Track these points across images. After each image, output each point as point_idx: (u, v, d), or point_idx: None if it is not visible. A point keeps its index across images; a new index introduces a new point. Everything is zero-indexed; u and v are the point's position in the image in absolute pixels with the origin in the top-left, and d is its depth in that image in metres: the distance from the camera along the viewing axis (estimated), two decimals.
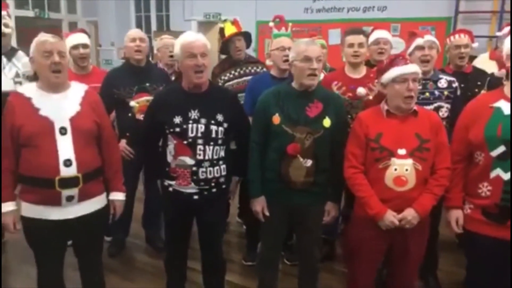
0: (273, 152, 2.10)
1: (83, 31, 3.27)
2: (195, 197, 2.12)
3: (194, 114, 2.07)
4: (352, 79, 2.65)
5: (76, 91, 1.97)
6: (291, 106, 2.07)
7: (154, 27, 7.66)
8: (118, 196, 2.12)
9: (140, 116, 2.85)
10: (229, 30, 3.15)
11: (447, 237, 3.04)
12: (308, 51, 2.02)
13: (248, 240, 3.13)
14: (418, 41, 2.39)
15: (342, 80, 2.64)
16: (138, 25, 7.69)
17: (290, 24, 2.83)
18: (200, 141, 2.06)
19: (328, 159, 2.12)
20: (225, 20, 3.27)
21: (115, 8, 7.77)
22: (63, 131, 1.85)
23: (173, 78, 3.51)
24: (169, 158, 2.12)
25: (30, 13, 7.09)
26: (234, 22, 3.20)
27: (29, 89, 1.92)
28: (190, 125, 2.06)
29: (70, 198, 1.88)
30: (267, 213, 2.18)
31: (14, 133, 1.83)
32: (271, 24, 2.85)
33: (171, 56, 3.45)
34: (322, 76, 2.72)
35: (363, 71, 2.69)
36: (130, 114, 2.86)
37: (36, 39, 1.88)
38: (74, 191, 1.88)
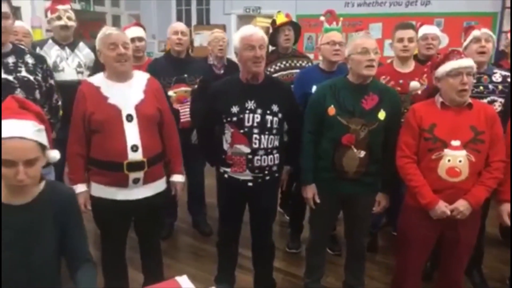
0: (327, 142, 2.17)
1: (139, 24, 3.43)
2: (249, 184, 2.22)
3: (250, 104, 2.17)
4: (401, 74, 2.68)
5: (139, 79, 2.10)
6: (346, 98, 2.14)
7: (194, 20, 7.81)
8: (178, 178, 2.26)
9: (177, 106, 2.99)
10: (281, 19, 3.26)
11: (491, 233, 3.04)
12: (365, 43, 2.07)
13: (292, 229, 3.22)
14: (475, 33, 2.40)
15: (390, 74, 2.67)
16: (179, 19, 7.85)
17: (341, 18, 2.88)
18: (255, 130, 2.16)
19: (381, 150, 2.18)
20: (279, 12, 3.38)
21: (157, 2, 7.97)
22: (129, 118, 1.98)
23: (222, 71, 3.64)
24: (225, 146, 2.23)
25: (76, 6, 7.38)
26: (287, 15, 3.32)
27: (98, 79, 2.05)
28: (246, 115, 2.16)
29: (136, 181, 2.02)
30: (318, 200, 2.26)
31: (86, 120, 1.97)
32: (322, 18, 2.90)
33: (221, 50, 3.59)
34: None
35: (412, 65, 2.72)
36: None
37: (101, 32, 2.01)
38: (140, 174, 2.02)
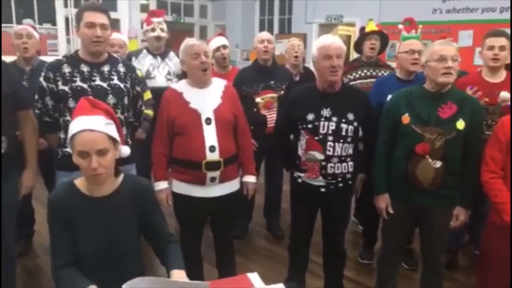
0: (401, 151, 2.14)
1: (222, 34, 3.64)
2: (322, 189, 2.26)
3: (326, 112, 2.21)
4: (490, 84, 2.54)
5: (217, 86, 2.26)
6: (422, 106, 2.09)
7: (276, 29, 8.00)
8: (251, 178, 2.38)
9: (264, 112, 3.12)
10: (370, 28, 3.29)
11: None
12: (443, 50, 2.02)
13: (365, 239, 3.18)
14: None
15: (479, 84, 2.54)
16: (261, 28, 8.09)
17: (420, 26, 2.81)
18: (330, 138, 2.19)
19: (459, 162, 2.10)
20: (370, 19, 3.41)
21: (241, 12, 8.29)
22: (208, 121, 2.14)
23: (298, 79, 3.73)
24: (300, 152, 2.29)
25: (168, 18, 7.95)
26: (378, 25, 3.35)
27: (181, 85, 2.25)
28: (322, 123, 2.20)
29: (213, 179, 2.17)
30: (390, 211, 2.23)
31: (170, 123, 2.17)
32: (400, 26, 2.86)
33: (296, 57, 3.69)
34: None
35: (502, 75, 2.57)
36: (255, 109, 3.12)
37: (185, 43, 2.20)
38: (216, 173, 2.16)
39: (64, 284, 1.52)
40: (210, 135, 2.13)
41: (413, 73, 2.66)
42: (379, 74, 3.20)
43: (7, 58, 3.07)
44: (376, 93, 2.72)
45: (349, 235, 3.52)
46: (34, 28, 2.95)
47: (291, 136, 2.41)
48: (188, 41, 2.20)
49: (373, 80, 3.15)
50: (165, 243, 1.69)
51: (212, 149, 2.12)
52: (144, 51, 3.36)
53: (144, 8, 7.81)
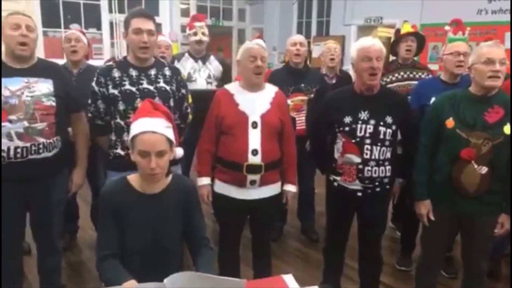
0: (444, 156, 2.09)
1: (260, 37, 3.68)
2: (359, 193, 2.24)
3: (364, 115, 2.19)
4: None
5: (269, 91, 2.29)
6: (467, 110, 2.04)
7: (314, 32, 7.97)
8: (291, 187, 2.38)
9: (294, 114, 3.11)
10: (406, 29, 3.24)
11: None
12: (490, 53, 1.96)
13: (403, 246, 3.11)
14: None
15: None
16: (299, 31, 8.09)
17: (468, 28, 2.73)
18: (367, 141, 2.17)
19: (506, 167, 2.02)
20: (405, 21, 3.35)
21: (279, 15, 8.32)
22: (254, 124, 2.18)
23: (334, 81, 3.71)
24: (336, 155, 2.28)
25: (208, 21, 8.10)
26: (413, 26, 3.28)
27: (233, 87, 2.30)
28: (359, 125, 2.19)
29: (253, 182, 2.20)
30: (432, 217, 2.18)
31: (218, 122, 2.22)
32: (447, 27, 2.78)
33: (332, 60, 3.67)
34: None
35: None
36: None
37: (244, 45, 2.26)
38: (257, 177, 2.19)
39: (106, 274, 1.61)
40: (255, 138, 2.16)
41: (458, 76, 2.58)
42: (416, 76, 3.14)
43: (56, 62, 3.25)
44: (418, 96, 2.67)
45: (386, 241, 3.46)
46: (83, 33, 3.10)
47: (327, 139, 2.41)
48: (247, 44, 2.26)
49: (410, 82, 3.10)
50: (200, 246, 1.74)
51: (254, 152, 2.15)
52: (186, 54, 3.45)
53: (184, 12, 8.00)
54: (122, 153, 2.20)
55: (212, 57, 3.46)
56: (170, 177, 1.76)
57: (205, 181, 2.28)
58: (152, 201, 1.69)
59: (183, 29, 7.65)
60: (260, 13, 8.66)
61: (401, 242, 3.15)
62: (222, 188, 2.27)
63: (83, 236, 3.35)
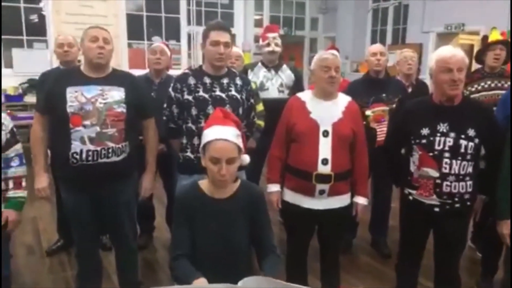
0: None
1: (334, 47, 3.66)
2: (436, 209, 2.13)
3: (443, 127, 2.09)
4: None
5: (341, 101, 2.28)
6: None
7: (389, 40, 7.75)
8: (361, 200, 2.32)
9: (374, 125, 3.04)
10: (494, 37, 3.06)
11: None
12: None
13: (484, 268, 2.90)
14: None
15: None
16: (373, 39, 7.92)
17: None
18: (446, 154, 2.06)
19: None
20: (493, 28, 3.16)
21: (352, 23, 8.21)
22: (325, 133, 2.17)
23: (409, 90, 3.58)
24: (412, 168, 2.19)
25: (280, 31, 8.22)
26: (502, 33, 3.07)
27: (306, 95, 2.32)
28: (437, 138, 2.09)
29: (322, 192, 2.19)
30: None
31: (289, 129, 2.25)
32: None
33: (409, 68, 3.54)
34: None
35: None
36: (364, 123, 3.06)
37: (318, 55, 2.27)
38: (326, 187, 2.17)
39: (178, 273, 1.70)
40: (325, 147, 2.16)
41: None
42: (505, 85, 2.93)
43: (138, 72, 3.49)
44: (505, 106, 2.49)
45: (465, 261, 3.23)
46: (167, 45, 3.30)
47: (402, 151, 2.33)
48: (321, 54, 2.27)
49: (498, 92, 2.91)
50: (267, 252, 1.77)
51: (324, 162, 2.15)
52: (259, 64, 3.53)
53: (257, 23, 8.19)
54: (191, 156, 2.31)
55: (284, 66, 3.51)
56: (238, 182, 1.81)
57: (274, 188, 2.30)
58: (220, 205, 1.75)
59: (256, 39, 7.84)
60: (332, 22, 8.60)
61: (482, 264, 2.93)
62: (291, 196, 2.28)
63: (158, 236, 3.53)
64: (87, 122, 2.13)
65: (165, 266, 3.11)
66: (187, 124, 2.33)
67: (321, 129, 2.17)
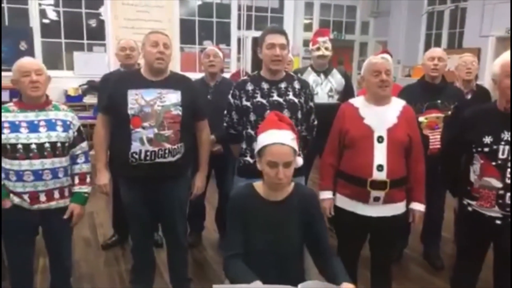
0: None
1: (387, 51, 3.58)
2: (498, 221, 2.04)
3: (507, 135, 2.00)
4: None
5: (396, 105, 2.22)
6: None
7: (444, 44, 7.48)
8: (419, 206, 2.25)
9: (427, 132, 2.93)
10: None
11: None
12: None
13: None
14: None
15: None
16: (427, 43, 7.68)
17: None
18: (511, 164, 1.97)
19: None
20: None
21: (405, 27, 7.99)
22: (380, 139, 2.13)
23: (469, 97, 3.43)
24: (472, 177, 2.11)
25: (330, 35, 8.16)
26: None
27: (358, 101, 2.28)
28: (501, 147, 2.00)
29: (376, 199, 2.15)
30: None
31: (342, 136, 2.23)
32: None
33: (468, 74, 3.40)
34: None
35: None
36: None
37: (368, 61, 2.24)
38: (381, 193, 2.13)
39: (232, 273, 1.72)
40: (380, 153, 2.12)
41: None
42: None
43: (191, 75, 3.58)
44: None
45: None
46: (220, 49, 3.38)
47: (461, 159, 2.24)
48: (371, 59, 2.24)
49: None
50: (328, 255, 1.76)
51: (380, 168, 2.11)
52: (309, 68, 3.52)
53: (307, 27, 8.17)
54: (251, 161, 2.33)
55: (334, 71, 3.48)
56: (293, 185, 1.82)
57: (327, 194, 2.29)
58: (275, 207, 1.77)
59: (305, 43, 7.83)
60: (384, 26, 8.42)
61: None
62: (344, 202, 2.25)
63: (207, 236, 3.61)
64: (146, 124, 2.23)
65: (213, 265, 3.17)
66: (246, 130, 2.37)
67: (376, 135, 2.13)
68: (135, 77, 2.33)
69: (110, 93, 2.34)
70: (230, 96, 2.41)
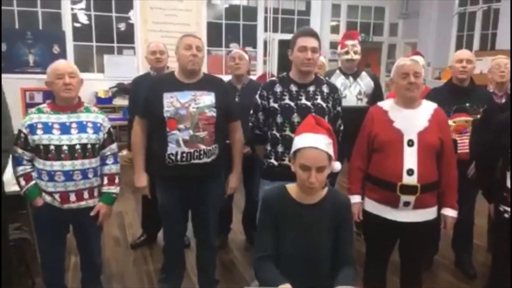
0: None
1: (419, 53, 3.50)
2: None
3: None
4: None
5: (426, 108, 2.18)
6: None
7: (476, 46, 7.27)
8: (451, 212, 2.20)
9: (455, 136, 2.83)
10: None
11: None
12: None
13: None
14: None
15: None
16: (458, 44, 7.48)
17: None
18: None
19: None
20: None
21: (436, 28, 7.81)
22: (410, 143, 2.08)
23: (503, 100, 3.32)
24: (509, 183, 2.04)
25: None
26: None
27: (387, 104, 2.25)
28: None
29: (406, 204, 2.10)
30: None
31: (370, 139, 2.19)
32: None
33: (502, 77, 3.28)
34: None
35: None
36: None
37: (396, 63, 2.20)
38: (411, 198, 2.09)
39: (262, 275, 1.72)
40: (410, 157, 2.07)
41: None
42: None
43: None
44: None
45: None
46: (245, 51, 3.38)
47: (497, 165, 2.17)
48: (399, 61, 2.21)
49: None
50: (344, 263, 1.74)
51: (410, 172, 2.06)
52: (337, 71, 3.49)
53: (333, 29, 8.10)
54: (275, 163, 2.33)
55: (364, 73, 3.43)
56: (326, 189, 1.80)
57: (356, 199, 2.25)
58: (307, 211, 1.75)
59: (331, 45, 7.76)
60: (413, 27, 8.25)
61: None
62: (372, 207, 2.21)
63: (233, 238, 3.62)
64: (181, 126, 2.26)
65: (240, 267, 3.17)
66: (272, 131, 2.36)
67: (406, 139, 2.09)
68: (170, 80, 2.37)
69: (146, 96, 2.38)
70: (257, 97, 2.41)
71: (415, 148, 2.07)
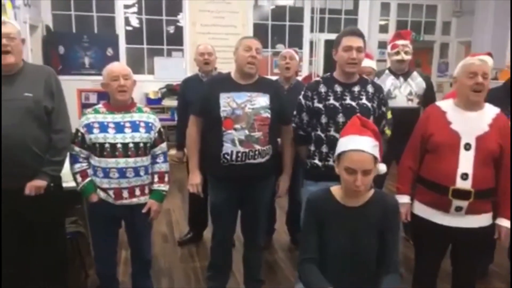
0: None
1: (490, 54, 3.31)
2: None
3: None
4: None
5: (488, 112, 2.07)
6: None
7: None
8: (505, 222, 2.08)
9: None
10: None
11: None
12: None
13: None
14: None
15: None
16: None
17: None
18: None
19: None
20: None
21: (492, 27, 7.41)
22: (467, 146, 2.00)
23: None
24: None
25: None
26: None
27: (446, 104, 2.15)
28: None
29: (458, 209, 2.02)
30: None
31: (424, 139, 2.12)
32: None
33: None
34: None
35: None
36: None
37: (463, 61, 2.09)
38: (464, 203, 2.00)
39: (307, 278, 1.72)
40: (466, 161, 1.99)
41: None
42: None
43: None
44: None
45: None
46: (296, 52, 3.38)
47: None
48: (467, 60, 2.11)
49: None
50: (389, 269, 1.70)
51: (464, 176, 1.98)
52: (387, 71, 3.41)
53: (382, 28, 7.90)
54: (319, 164, 2.32)
55: (415, 73, 3.34)
56: (372, 192, 1.77)
57: (405, 199, 2.19)
58: (352, 213, 1.73)
59: (380, 45, 7.57)
60: (468, 26, 7.87)
61: None
62: (422, 210, 2.14)
63: (277, 239, 3.63)
64: (237, 126, 2.31)
65: (283, 268, 3.18)
66: (316, 132, 2.35)
67: (463, 142, 2.00)
68: (227, 81, 2.42)
69: (203, 96, 2.43)
70: (301, 97, 2.40)
71: (472, 152, 1.99)
